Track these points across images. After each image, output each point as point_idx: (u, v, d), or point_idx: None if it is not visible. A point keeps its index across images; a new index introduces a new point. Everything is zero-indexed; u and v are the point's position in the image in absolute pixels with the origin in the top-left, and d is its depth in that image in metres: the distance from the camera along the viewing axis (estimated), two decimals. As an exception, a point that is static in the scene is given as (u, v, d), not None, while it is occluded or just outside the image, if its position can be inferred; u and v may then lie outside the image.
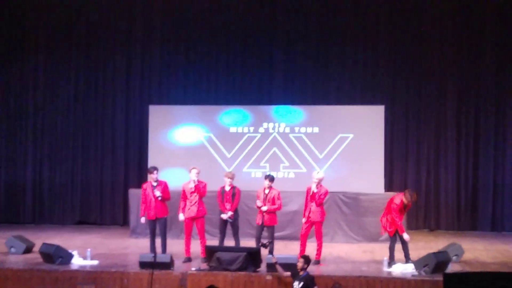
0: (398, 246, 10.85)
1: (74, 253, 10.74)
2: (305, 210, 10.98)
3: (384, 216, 10.83)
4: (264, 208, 10.90)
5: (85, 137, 16.21)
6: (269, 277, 9.74)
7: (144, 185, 11.40)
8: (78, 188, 16.14)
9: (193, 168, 11.19)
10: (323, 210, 10.99)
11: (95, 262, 10.60)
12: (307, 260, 9.40)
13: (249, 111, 14.70)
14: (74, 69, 16.30)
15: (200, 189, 11.03)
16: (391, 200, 10.81)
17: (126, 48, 16.19)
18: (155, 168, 11.27)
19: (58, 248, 10.60)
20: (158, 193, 11.07)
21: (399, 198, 10.69)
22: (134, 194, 14.10)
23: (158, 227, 11.13)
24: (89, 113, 16.23)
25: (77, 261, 10.59)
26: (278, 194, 11.09)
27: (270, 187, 11.08)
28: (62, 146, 16.25)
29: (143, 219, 11.32)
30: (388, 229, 10.73)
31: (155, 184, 11.18)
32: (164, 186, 11.20)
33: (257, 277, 9.80)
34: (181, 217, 11.17)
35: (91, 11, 16.26)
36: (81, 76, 16.29)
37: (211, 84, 15.96)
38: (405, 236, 10.54)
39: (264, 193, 11.05)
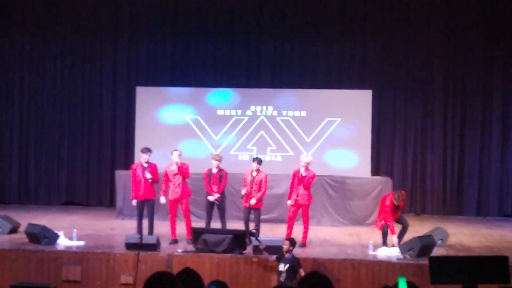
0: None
1: (60, 233, 10.73)
2: (290, 192, 11.01)
3: (379, 215, 10.86)
4: (253, 202, 10.93)
5: (71, 117, 16.10)
6: (255, 259, 9.77)
7: (134, 166, 11.34)
8: (64, 169, 16.06)
9: (175, 150, 11.20)
10: (310, 193, 11.03)
11: (81, 243, 10.59)
12: (292, 242, 9.44)
13: (237, 93, 14.69)
14: (60, 50, 16.14)
15: (183, 170, 11.01)
16: (383, 201, 10.83)
17: (113, 29, 16.06)
18: (149, 150, 11.21)
19: (44, 228, 10.57)
20: (149, 175, 11.03)
21: (389, 199, 10.68)
22: (120, 175, 14.09)
23: (146, 208, 11.12)
24: (75, 94, 16.11)
25: (63, 242, 10.58)
26: (266, 178, 11.13)
27: (257, 170, 11.10)
28: (48, 127, 16.13)
29: (134, 201, 11.19)
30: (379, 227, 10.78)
31: (145, 165, 11.13)
32: (153, 168, 11.16)
33: (243, 259, 9.84)
34: (162, 200, 11.16)
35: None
36: (68, 57, 16.14)
37: (198, 65, 15.88)
38: (394, 239, 10.51)
39: (252, 175, 11.08)
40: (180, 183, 11.04)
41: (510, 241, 11.86)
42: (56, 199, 16.01)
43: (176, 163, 11.00)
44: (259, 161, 11.20)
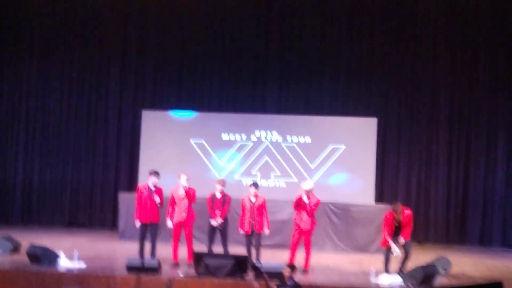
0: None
1: (61, 254, 10.68)
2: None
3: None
4: (267, 232, 10.97)
5: (76, 139, 16.17)
6: (256, 285, 9.72)
7: (140, 187, 11.28)
8: (68, 190, 16.08)
9: (183, 173, 11.19)
10: (314, 220, 11.00)
11: (82, 265, 10.55)
12: (293, 268, 9.39)
13: (242, 119, 14.74)
14: (68, 72, 16.27)
15: (190, 195, 11.02)
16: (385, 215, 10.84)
17: (120, 52, 16.19)
18: (158, 173, 11.18)
19: (45, 249, 10.56)
20: (158, 199, 11.01)
21: (388, 212, 10.72)
22: (124, 198, 14.09)
23: (150, 232, 11.08)
24: (81, 116, 16.20)
25: (64, 263, 10.54)
26: (265, 202, 11.14)
27: (255, 195, 11.10)
28: (53, 148, 16.20)
29: (138, 223, 11.14)
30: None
31: (153, 188, 11.11)
32: (160, 192, 11.14)
33: (244, 284, 9.79)
34: (169, 224, 11.14)
35: (85, 15, 16.24)
36: (74, 79, 16.26)
37: (204, 90, 15.97)
38: (394, 249, 10.50)
39: (250, 201, 11.07)
40: (186, 208, 11.03)
41: (513, 272, 11.79)
42: (59, 219, 16.01)
43: (184, 187, 11.00)
44: (256, 185, 11.21)
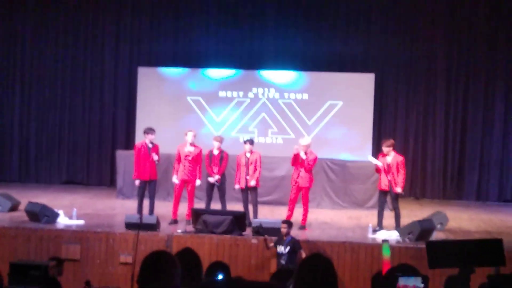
0: (384, 214, 10.96)
1: (60, 212, 10.75)
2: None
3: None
4: (253, 183, 10.93)
5: (72, 97, 16.08)
6: (254, 241, 9.79)
7: (138, 145, 11.28)
8: (65, 148, 16.06)
9: (189, 130, 11.18)
10: (311, 176, 11.03)
11: (81, 222, 10.62)
12: (289, 224, 9.46)
13: (239, 75, 14.65)
14: (62, 29, 16.07)
15: (196, 155, 11.02)
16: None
17: (115, 9, 15.99)
18: (153, 130, 11.19)
19: (44, 207, 10.60)
20: (156, 157, 11.01)
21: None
22: (121, 155, 14.09)
23: (148, 188, 11.12)
24: (77, 73, 16.07)
25: (63, 221, 10.60)
26: (260, 157, 11.13)
27: (251, 151, 11.10)
28: (49, 106, 16.12)
29: (137, 181, 11.15)
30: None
31: (150, 145, 11.11)
32: (157, 149, 11.15)
33: (242, 240, 9.86)
34: (175, 179, 11.14)
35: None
36: (70, 37, 16.08)
37: (201, 46, 15.81)
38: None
39: (246, 157, 11.07)
40: (190, 165, 11.03)
41: (509, 226, 11.88)
42: (57, 178, 16.03)
43: (191, 144, 10.99)
44: (251, 142, 11.21)
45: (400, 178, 10.68)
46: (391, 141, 10.90)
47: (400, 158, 10.81)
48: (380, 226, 10.74)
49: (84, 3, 16.00)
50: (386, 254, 8.41)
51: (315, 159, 10.95)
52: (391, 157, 10.74)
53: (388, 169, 10.67)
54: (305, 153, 10.81)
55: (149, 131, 11.16)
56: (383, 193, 10.85)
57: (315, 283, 3.48)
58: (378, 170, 10.83)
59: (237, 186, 11.15)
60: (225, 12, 15.74)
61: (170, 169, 11.45)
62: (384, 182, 10.71)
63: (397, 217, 10.73)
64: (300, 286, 3.61)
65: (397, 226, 10.63)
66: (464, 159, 15.42)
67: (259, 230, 9.82)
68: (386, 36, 15.46)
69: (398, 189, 10.66)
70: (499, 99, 15.34)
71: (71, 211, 10.85)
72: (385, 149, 10.80)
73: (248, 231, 10.07)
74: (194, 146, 11.09)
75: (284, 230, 9.33)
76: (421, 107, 15.50)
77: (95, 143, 16.00)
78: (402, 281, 4.32)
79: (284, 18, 15.62)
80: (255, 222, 10.16)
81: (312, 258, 3.83)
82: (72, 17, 16.02)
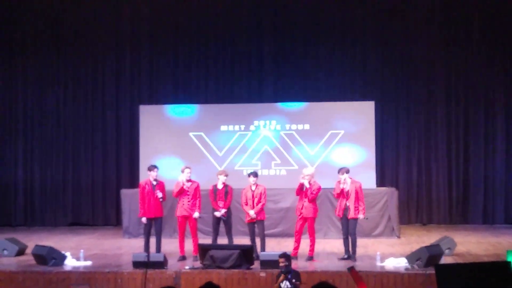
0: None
1: (67, 254, 10.73)
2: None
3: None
4: (252, 213, 10.90)
5: (75, 138, 16.18)
6: (263, 274, 9.74)
7: (142, 183, 11.32)
8: (69, 190, 16.10)
9: (186, 167, 11.22)
10: (316, 206, 11.01)
11: (88, 263, 10.58)
12: (287, 258, 9.14)
13: (240, 108, 14.74)
14: (63, 70, 16.26)
15: (194, 189, 11.05)
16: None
17: (115, 48, 16.17)
18: (156, 167, 11.23)
19: (51, 249, 10.57)
20: (160, 194, 11.02)
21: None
22: (126, 194, 14.11)
23: (154, 226, 11.12)
24: (79, 114, 16.20)
25: (70, 262, 10.57)
26: (265, 190, 11.14)
27: (256, 184, 11.11)
28: (52, 148, 16.20)
29: (144, 219, 11.15)
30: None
31: (154, 183, 11.14)
32: (162, 186, 11.17)
33: (250, 274, 9.81)
34: (196, 214, 11.13)
35: (78, 12, 16.20)
36: (70, 77, 16.25)
37: (201, 83, 15.98)
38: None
39: (251, 190, 11.08)
40: (189, 200, 11.06)
41: (518, 248, 11.80)
42: (62, 220, 16.04)
43: (187, 181, 11.03)
44: (255, 175, 11.21)
45: (361, 205, 10.71)
46: (346, 169, 10.87)
47: (359, 184, 10.84)
48: (347, 253, 10.72)
49: (83, 44, 16.17)
50: None
51: (319, 189, 10.95)
52: (348, 184, 10.75)
53: (347, 196, 10.68)
54: (309, 183, 10.82)
55: (152, 168, 11.20)
56: (344, 219, 10.85)
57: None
58: (339, 195, 10.80)
59: (252, 213, 11.03)
60: (223, 47, 15.89)
61: (175, 206, 11.45)
62: (341, 208, 10.72)
63: (353, 244, 10.73)
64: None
65: (354, 253, 10.66)
66: (469, 183, 15.42)
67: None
68: (383, 63, 15.59)
69: (361, 216, 10.72)
70: (500, 121, 15.41)
71: (78, 252, 10.82)
72: (341, 176, 10.78)
73: (256, 265, 10.03)
74: (191, 181, 11.11)
75: (281, 264, 9.04)
76: (422, 133, 15.56)
77: (100, 183, 16.04)
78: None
79: (281, 51, 15.77)
80: (263, 255, 10.13)
81: (319, 286, 3.84)
82: (71, 58, 16.19)
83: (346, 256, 10.73)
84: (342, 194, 10.76)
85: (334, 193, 11.00)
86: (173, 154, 14.36)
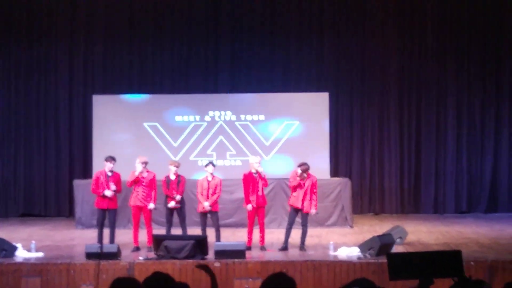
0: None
1: (18, 245, 10.56)
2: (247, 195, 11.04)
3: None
4: (206, 205, 10.91)
5: (27, 129, 15.88)
6: (217, 264, 9.76)
7: (98, 173, 11.20)
8: (21, 180, 15.82)
9: (139, 157, 11.16)
10: (264, 195, 11.17)
11: (40, 254, 10.44)
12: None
13: (195, 99, 14.69)
14: (14, 60, 15.92)
15: (150, 180, 11.00)
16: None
17: (68, 37, 15.90)
18: (113, 158, 11.11)
19: (1, 240, 10.39)
20: (113, 187, 10.92)
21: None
22: (79, 184, 13.95)
23: (108, 217, 11.02)
24: (31, 104, 15.90)
25: (21, 254, 10.40)
26: (221, 182, 11.17)
27: (212, 175, 11.11)
28: (3, 138, 15.88)
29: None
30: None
31: (109, 174, 11.03)
32: (117, 178, 11.07)
33: (205, 264, 9.81)
34: (151, 206, 11.08)
35: (31, 0, 15.89)
36: (22, 67, 15.92)
37: (155, 72, 15.85)
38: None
39: (207, 180, 11.08)
40: (144, 191, 11.00)
41: (467, 237, 12.10)
42: (14, 210, 15.75)
43: (141, 172, 10.97)
44: (214, 165, 11.24)
45: (314, 199, 10.84)
46: (306, 167, 10.93)
47: (315, 179, 10.97)
48: (286, 243, 10.83)
49: (36, 33, 15.87)
50: None
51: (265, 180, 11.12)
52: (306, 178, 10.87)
53: (303, 189, 10.79)
54: (257, 173, 10.94)
55: (109, 159, 11.11)
56: (295, 211, 10.95)
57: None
58: (296, 187, 10.89)
59: (206, 204, 11.00)
60: (178, 36, 15.80)
61: (129, 196, 11.36)
62: (298, 200, 10.80)
63: (304, 235, 10.88)
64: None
65: (302, 243, 10.81)
66: (420, 173, 15.71)
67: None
68: (338, 55, 15.72)
69: (313, 211, 10.86)
70: (451, 112, 15.71)
71: (29, 243, 10.66)
72: (299, 170, 10.86)
73: (211, 255, 10.05)
74: (147, 171, 11.06)
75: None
76: (375, 124, 15.77)
77: (52, 173, 15.81)
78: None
79: (237, 42, 15.75)
80: (217, 245, 10.15)
81: (275, 277, 3.86)
82: (24, 48, 15.87)
83: (284, 246, 10.78)
84: (300, 186, 10.82)
85: (290, 184, 11.05)
86: (127, 145, 14.23)
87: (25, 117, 15.89)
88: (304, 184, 10.80)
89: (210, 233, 10.84)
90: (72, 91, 15.88)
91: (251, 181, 11.01)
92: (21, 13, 15.88)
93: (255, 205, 10.99)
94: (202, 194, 11.04)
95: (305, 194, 10.78)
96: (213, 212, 11.04)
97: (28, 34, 15.88)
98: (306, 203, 10.78)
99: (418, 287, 4.32)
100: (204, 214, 11.07)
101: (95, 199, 11.26)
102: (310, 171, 11.00)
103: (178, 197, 11.08)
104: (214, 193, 11.04)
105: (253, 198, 11.00)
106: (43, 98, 15.90)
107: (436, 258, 4.60)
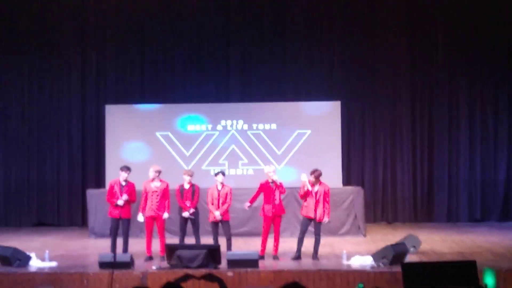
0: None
1: (32, 255, 10.60)
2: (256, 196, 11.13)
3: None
4: (219, 217, 10.92)
5: (40, 138, 15.97)
6: (230, 274, 9.76)
7: (112, 182, 11.25)
8: (34, 190, 15.89)
9: (152, 166, 11.20)
10: (282, 204, 11.15)
11: (53, 264, 10.47)
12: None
13: (207, 108, 14.72)
14: (27, 70, 16.01)
15: (163, 190, 11.02)
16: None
17: (80, 48, 15.98)
18: (128, 168, 11.15)
19: (15, 250, 10.44)
20: (125, 197, 10.95)
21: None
22: (92, 194, 14.00)
23: (121, 227, 11.05)
24: (44, 114, 15.98)
25: (35, 263, 10.45)
26: (231, 190, 11.18)
27: (222, 184, 11.13)
28: (17, 148, 15.96)
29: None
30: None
31: (123, 183, 11.07)
32: (131, 188, 11.10)
33: (218, 273, 9.81)
34: (140, 218, 11.11)
35: (42, 12, 15.98)
36: (35, 77, 16.02)
37: (167, 82, 15.90)
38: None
39: (217, 189, 11.09)
40: (158, 201, 11.02)
41: (480, 246, 12.03)
42: (27, 220, 15.81)
43: (156, 180, 11.00)
44: (224, 173, 11.26)
45: (327, 207, 10.80)
46: (318, 172, 10.92)
47: (327, 187, 10.94)
48: (299, 252, 10.81)
49: (48, 44, 15.96)
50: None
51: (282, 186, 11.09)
52: (317, 186, 10.83)
53: (315, 197, 10.76)
54: (274, 183, 10.95)
55: (124, 169, 11.14)
56: (308, 220, 10.92)
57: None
58: (305, 194, 10.87)
59: (217, 214, 11.00)
60: (189, 46, 15.85)
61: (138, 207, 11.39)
62: (310, 209, 10.77)
63: (317, 243, 10.85)
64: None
65: (315, 252, 10.78)
66: (433, 182, 15.64)
67: None
68: (349, 64, 15.72)
69: (326, 219, 10.83)
70: (463, 120, 15.66)
71: (43, 253, 10.70)
72: (312, 178, 10.85)
73: (224, 264, 10.04)
74: (161, 181, 11.10)
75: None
76: (387, 133, 15.74)
77: (65, 183, 15.86)
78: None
79: (249, 50, 15.78)
80: (230, 255, 10.15)
81: (290, 287, 3.86)
82: (36, 58, 15.96)
83: (297, 255, 10.76)
84: (308, 194, 10.82)
85: (299, 194, 11.05)
86: (140, 154, 14.27)
87: (38, 126, 15.97)
88: (316, 193, 10.79)
89: (223, 242, 10.83)
90: (84, 101, 15.95)
91: (267, 190, 11.01)
92: (33, 22, 15.98)
93: (270, 214, 10.98)
94: (212, 204, 11.05)
95: (317, 202, 10.77)
96: (224, 221, 11.05)
97: (41, 43, 15.97)
98: (319, 212, 10.77)
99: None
100: (215, 224, 11.09)
101: (108, 208, 11.29)
102: (323, 180, 10.98)
103: (191, 210, 11.08)
104: (224, 202, 11.05)
105: (268, 207, 11.00)
106: (56, 108, 15.98)
107: (451, 268, 4.58)
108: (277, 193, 11.02)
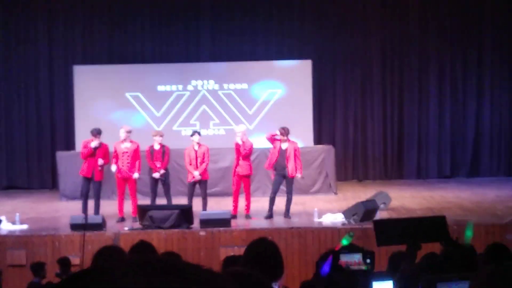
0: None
1: (2, 218, 10.51)
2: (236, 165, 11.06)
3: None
4: (196, 174, 10.87)
5: (7, 100, 15.70)
6: (202, 233, 9.80)
7: (85, 143, 11.12)
8: (3, 153, 15.68)
9: (121, 127, 11.10)
10: (250, 163, 11.12)
11: (24, 227, 10.41)
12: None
13: (177, 68, 14.58)
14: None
15: (134, 150, 10.93)
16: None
17: (47, 7, 15.65)
18: (99, 132, 11.00)
19: (-15, 214, 10.35)
20: (101, 161, 10.78)
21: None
22: (62, 156, 13.87)
23: (93, 188, 10.96)
24: (11, 76, 15.70)
25: (5, 226, 10.36)
26: (208, 149, 11.13)
27: (198, 143, 11.08)
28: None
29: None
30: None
31: (98, 146, 10.93)
32: (106, 150, 10.99)
33: (190, 233, 9.86)
34: (113, 167, 10.97)
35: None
36: (1, 39, 15.69)
37: (136, 42, 15.68)
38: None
39: (194, 150, 11.05)
40: (129, 161, 10.95)
41: (450, 202, 12.22)
42: (-3, 184, 15.66)
43: (128, 140, 10.90)
44: (199, 134, 11.21)
45: (299, 163, 10.83)
46: (286, 129, 10.91)
47: (297, 144, 10.97)
48: (271, 211, 10.84)
49: (14, 3, 15.60)
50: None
51: (251, 147, 11.02)
52: (287, 143, 10.83)
53: (284, 154, 10.76)
54: (242, 140, 10.87)
55: (93, 132, 10.97)
56: (280, 178, 10.92)
57: (261, 267, 3.51)
58: (271, 137, 10.84)
59: (196, 174, 10.92)
60: (159, 4, 15.61)
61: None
62: (280, 165, 10.78)
63: (289, 202, 10.89)
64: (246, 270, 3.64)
65: (287, 211, 10.83)
66: (403, 139, 15.79)
67: None
68: (320, 22, 15.64)
69: (299, 175, 10.83)
70: (433, 80, 15.74)
71: (13, 216, 10.61)
72: (280, 135, 10.84)
73: (196, 224, 10.07)
74: (131, 141, 11.00)
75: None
76: (358, 92, 15.77)
77: (34, 145, 15.69)
78: (344, 257, 4.42)
79: (218, 9, 15.60)
80: (203, 214, 10.17)
81: (258, 242, 3.87)
82: (3, 18, 15.61)
83: (269, 214, 10.81)
84: (272, 140, 10.74)
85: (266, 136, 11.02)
86: (110, 115, 14.13)
87: (5, 88, 15.69)
88: (286, 150, 10.75)
89: (196, 203, 10.84)
90: (52, 62, 15.69)
91: (236, 150, 10.99)
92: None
93: (238, 174, 10.97)
94: (190, 164, 11.01)
95: (288, 158, 10.75)
96: (203, 180, 11.03)
97: (8, 3, 15.60)
98: (290, 167, 10.75)
99: (406, 252, 4.37)
100: (193, 184, 11.06)
101: (79, 168, 11.16)
102: (294, 139, 10.99)
103: (162, 171, 11.03)
104: (202, 161, 11.02)
105: (237, 167, 10.98)
106: (23, 69, 15.69)
107: (422, 223, 4.64)
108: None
